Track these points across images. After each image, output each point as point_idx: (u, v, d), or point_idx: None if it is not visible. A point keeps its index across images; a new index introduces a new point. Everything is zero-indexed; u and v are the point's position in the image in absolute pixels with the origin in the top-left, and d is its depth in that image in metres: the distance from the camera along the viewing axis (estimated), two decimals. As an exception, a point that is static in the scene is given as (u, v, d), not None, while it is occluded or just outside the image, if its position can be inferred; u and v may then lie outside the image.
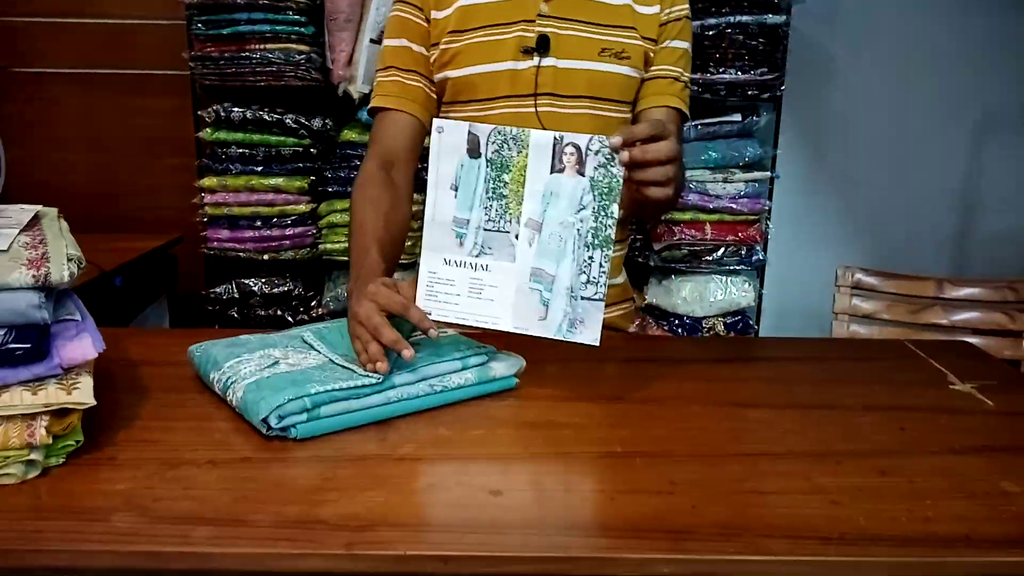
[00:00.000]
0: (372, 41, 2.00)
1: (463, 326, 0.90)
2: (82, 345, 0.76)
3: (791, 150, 2.42)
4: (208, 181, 2.08)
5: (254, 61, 2.02)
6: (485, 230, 0.86)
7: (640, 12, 1.13)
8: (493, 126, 0.84)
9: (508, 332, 0.89)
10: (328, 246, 2.12)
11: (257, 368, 0.87)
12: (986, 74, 2.47)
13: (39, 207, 0.91)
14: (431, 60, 1.11)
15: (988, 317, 1.66)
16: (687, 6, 1.17)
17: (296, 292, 2.17)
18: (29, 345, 0.71)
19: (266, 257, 2.12)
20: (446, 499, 0.69)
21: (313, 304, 2.19)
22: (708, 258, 2.22)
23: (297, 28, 1.99)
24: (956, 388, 0.98)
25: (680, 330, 2.25)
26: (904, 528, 0.65)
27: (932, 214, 2.57)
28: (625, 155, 0.82)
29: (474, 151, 0.85)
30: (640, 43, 1.12)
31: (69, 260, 0.75)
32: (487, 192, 0.84)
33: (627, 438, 0.81)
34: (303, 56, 2.00)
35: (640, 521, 0.65)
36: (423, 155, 1.09)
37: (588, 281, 0.84)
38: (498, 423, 0.85)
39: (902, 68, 2.48)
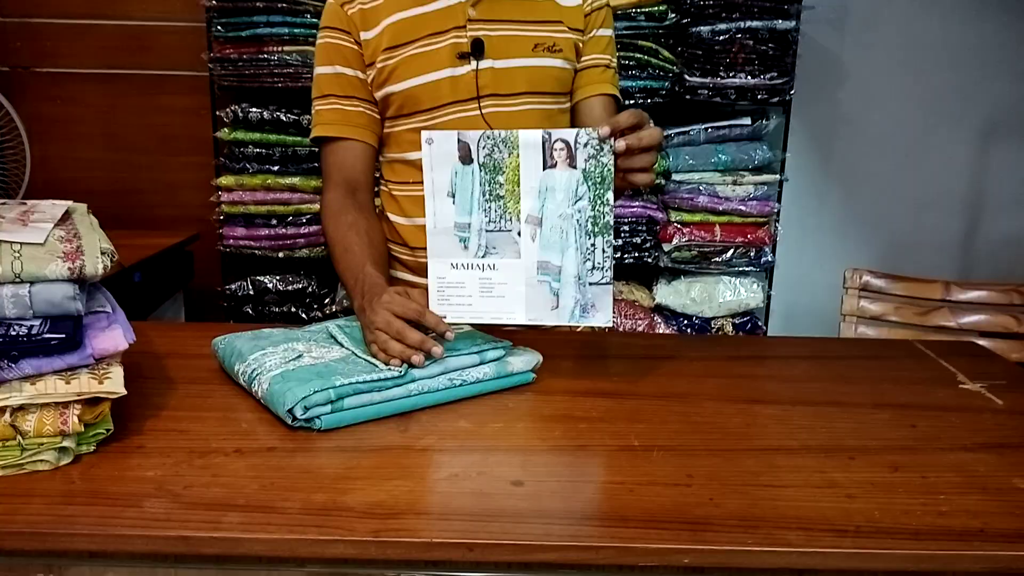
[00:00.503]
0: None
1: (478, 324, 0.91)
2: (113, 336, 0.77)
3: (800, 153, 2.42)
4: (225, 180, 2.10)
5: (272, 63, 2.06)
6: (487, 231, 0.88)
7: (564, 5, 1.13)
8: (482, 131, 0.85)
9: (523, 325, 0.90)
10: None
11: (282, 360, 0.88)
12: (993, 77, 2.46)
13: (69, 202, 0.93)
14: (369, 80, 1.10)
15: (995, 320, 1.66)
16: None
17: (310, 290, 2.18)
18: (64, 335, 0.73)
19: (281, 255, 2.14)
20: (469, 488, 0.69)
21: (327, 301, 2.21)
22: (717, 259, 2.24)
23: (315, 31, 1.97)
24: (966, 387, 0.98)
25: (689, 330, 2.25)
26: (919, 522, 0.65)
27: (939, 216, 2.56)
28: (621, 144, 0.84)
29: (466, 157, 0.86)
30: (569, 35, 1.12)
31: (103, 254, 0.77)
32: (484, 195, 0.86)
33: (643, 432, 0.81)
34: (320, 57, 2.01)
35: (659, 512, 0.65)
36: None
37: (594, 267, 0.87)
38: (517, 416, 0.86)
39: (909, 71, 2.47)
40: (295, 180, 2.10)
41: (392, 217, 1.17)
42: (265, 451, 0.76)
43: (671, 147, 2.18)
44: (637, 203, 2.20)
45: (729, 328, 2.32)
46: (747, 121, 2.18)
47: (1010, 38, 2.45)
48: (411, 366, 0.85)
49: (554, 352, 0.96)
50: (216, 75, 2.08)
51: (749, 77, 2.12)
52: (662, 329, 2.25)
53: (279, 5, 2.00)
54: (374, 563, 0.62)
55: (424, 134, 0.88)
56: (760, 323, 2.33)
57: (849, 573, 0.63)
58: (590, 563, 0.61)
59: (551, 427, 0.83)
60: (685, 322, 2.26)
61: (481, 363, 0.91)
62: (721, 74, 2.12)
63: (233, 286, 2.17)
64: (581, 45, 1.14)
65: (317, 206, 2.10)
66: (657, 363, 1.04)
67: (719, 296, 2.26)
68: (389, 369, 0.85)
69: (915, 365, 1.07)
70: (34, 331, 0.72)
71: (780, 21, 2.12)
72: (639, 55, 2.12)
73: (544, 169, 0.85)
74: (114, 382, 0.74)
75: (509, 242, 0.88)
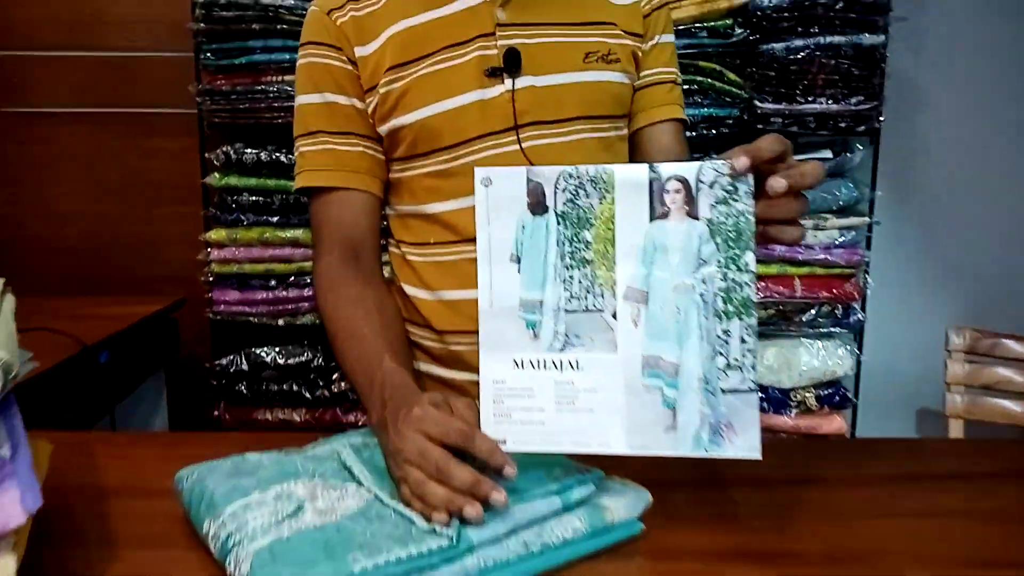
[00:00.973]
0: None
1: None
2: (4, 504, 0.50)
3: (892, 192, 2.17)
4: (216, 234, 1.96)
5: (270, 95, 1.89)
6: (568, 311, 0.69)
7: (616, 3, 0.95)
8: (562, 167, 0.68)
9: (623, 456, 0.67)
10: None
11: (273, 519, 0.61)
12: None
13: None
14: (370, 110, 0.91)
15: None
16: None
17: (316, 363, 2.02)
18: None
19: (281, 322, 2.00)
20: None
21: (335, 377, 2.03)
22: (797, 319, 2.05)
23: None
24: None
25: (764, 404, 1.99)
26: None
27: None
28: (782, 183, 0.64)
29: (538, 205, 0.69)
30: (626, 41, 0.94)
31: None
32: (563, 259, 0.69)
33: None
34: (327, 88, 1.83)
35: None
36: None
37: (729, 365, 0.66)
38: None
39: (1001, 93, 2.23)
40: (298, 233, 1.95)
41: (409, 290, 0.96)
42: None
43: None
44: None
45: (812, 400, 2.09)
46: (828, 154, 1.98)
47: None
48: (463, 522, 0.60)
49: (659, 477, 0.71)
50: (205, 110, 1.94)
51: (831, 102, 1.93)
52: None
53: (278, 27, 1.85)
54: None
55: (479, 172, 0.70)
56: (849, 394, 2.09)
57: None
58: None
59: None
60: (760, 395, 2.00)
61: (564, 510, 0.65)
62: (798, 99, 1.93)
63: (224, 361, 2.01)
64: (640, 55, 0.96)
65: None
66: (811, 491, 0.77)
67: (800, 363, 2.06)
68: (432, 530, 0.59)
69: None
70: None
71: (867, 35, 1.92)
72: (701, 78, 1.93)
73: (652, 220, 0.67)
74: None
75: (600, 327, 0.68)
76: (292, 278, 1.97)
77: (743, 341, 0.65)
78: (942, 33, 2.21)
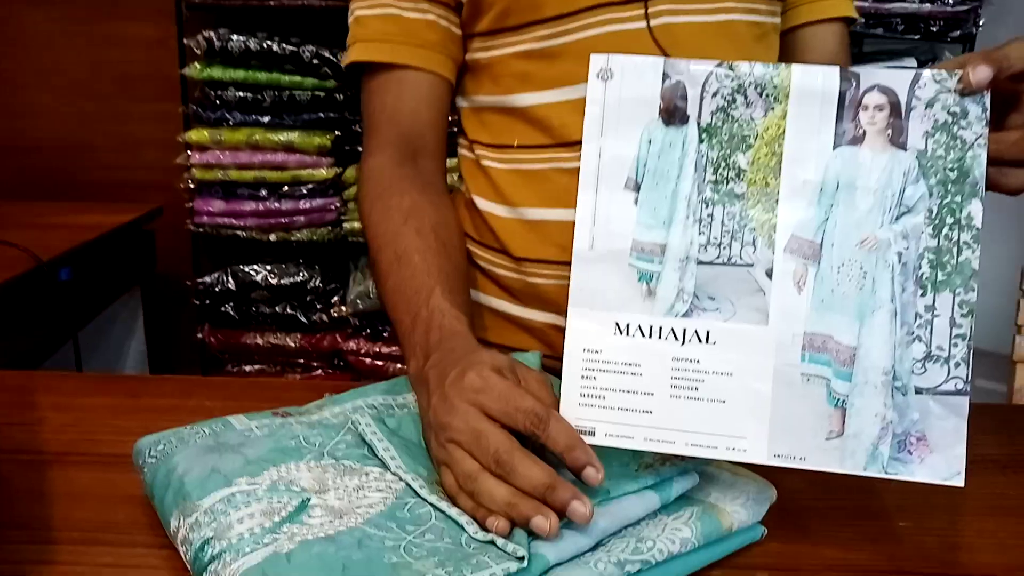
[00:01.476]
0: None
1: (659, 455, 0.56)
2: None
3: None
4: (196, 134, 1.90)
5: None
6: (701, 263, 0.56)
7: None
8: (715, 62, 0.57)
9: (763, 466, 0.55)
10: (357, 224, 1.92)
11: (267, 522, 0.46)
12: None
13: None
14: None
15: None
16: None
17: (313, 285, 1.98)
18: None
19: (273, 237, 1.95)
20: None
21: (335, 301, 1.99)
22: None
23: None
24: None
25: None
26: None
27: None
28: None
29: (674, 113, 0.57)
30: None
31: None
32: (703, 190, 0.57)
33: None
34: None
35: None
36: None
37: (929, 356, 0.53)
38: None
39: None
40: (292, 136, 1.88)
41: (481, 204, 0.84)
42: None
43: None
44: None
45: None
46: (913, 62, 1.87)
47: None
48: (532, 536, 0.47)
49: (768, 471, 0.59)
50: None
51: (924, 1, 1.82)
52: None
53: None
54: None
55: (596, 60, 0.58)
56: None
57: None
58: None
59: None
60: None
61: (664, 510, 0.53)
62: (885, -5, 1.85)
63: (209, 279, 1.96)
64: None
65: (323, 171, 1.90)
66: (972, 477, 0.63)
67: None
68: (491, 542, 0.46)
69: None
70: None
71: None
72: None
73: (838, 145, 0.55)
74: None
75: (747, 290, 0.55)
76: (286, 188, 1.91)
77: (953, 324, 0.53)
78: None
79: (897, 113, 0.54)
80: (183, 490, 0.49)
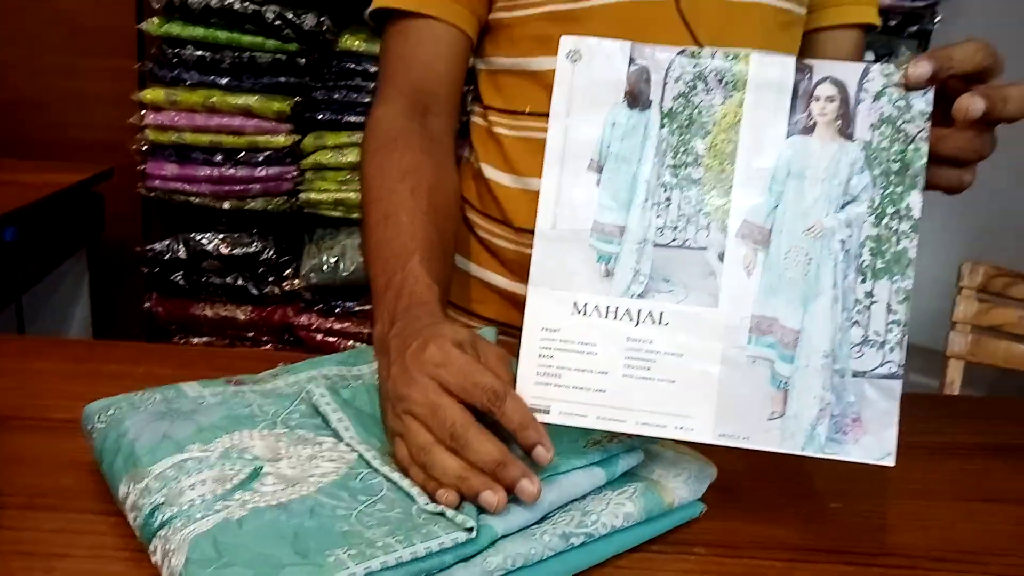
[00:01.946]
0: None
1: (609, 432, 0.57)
2: None
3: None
4: (152, 93, 1.87)
5: None
6: (657, 245, 0.58)
7: None
8: (680, 48, 0.58)
9: (706, 445, 0.57)
10: (313, 195, 1.91)
11: (219, 488, 0.47)
12: None
13: None
14: None
15: None
16: None
17: (266, 256, 1.96)
18: None
19: (227, 205, 1.92)
20: None
21: (287, 273, 1.97)
22: None
23: None
24: None
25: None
26: None
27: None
28: (979, 105, 0.53)
29: (639, 96, 0.58)
30: None
31: None
32: (662, 174, 0.59)
33: None
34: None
35: None
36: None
37: (867, 340, 0.56)
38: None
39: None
40: (251, 100, 1.84)
41: (488, 172, 0.86)
42: None
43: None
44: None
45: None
46: (871, 57, 1.90)
47: None
48: (481, 510, 0.49)
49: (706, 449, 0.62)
50: None
51: None
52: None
53: None
54: None
55: (565, 41, 0.58)
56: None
57: None
58: None
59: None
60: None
61: (609, 485, 0.55)
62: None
63: (159, 246, 1.94)
64: None
65: (281, 138, 1.87)
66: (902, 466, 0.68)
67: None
68: (441, 513, 0.48)
69: None
70: None
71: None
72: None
73: (790, 135, 0.57)
74: None
75: (699, 272, 0.57)
76: (243, 154, 1.88)
77: (890, 310, 0.55)
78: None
79: (846, 105, 0.56)
80: (133, 456, 0.49)
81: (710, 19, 0.77)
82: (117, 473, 0.50)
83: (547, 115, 0.62)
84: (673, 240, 0.58)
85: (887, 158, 0.56)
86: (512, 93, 0.84)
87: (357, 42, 1.84)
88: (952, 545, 0.58)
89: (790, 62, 0.57)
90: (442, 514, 0.47)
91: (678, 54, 0.57)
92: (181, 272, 1.95)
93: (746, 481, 0.63)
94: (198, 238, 1.94)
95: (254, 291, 1.94)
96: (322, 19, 1.81)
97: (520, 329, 0.56)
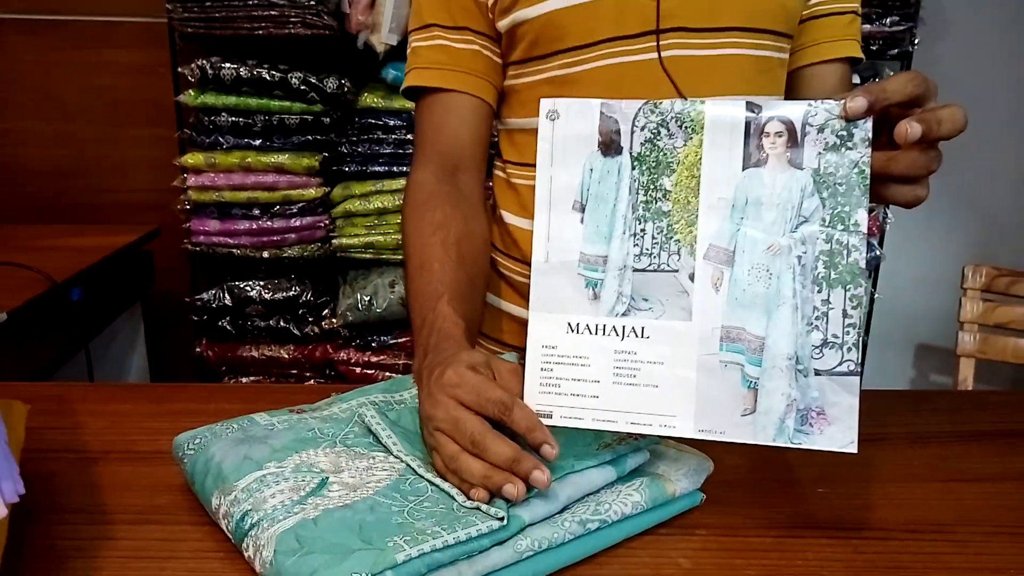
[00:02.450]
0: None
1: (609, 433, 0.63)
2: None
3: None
4: (192, 158, 1.89)
5: (249, 3, 1.80)
6: (636, 270, 0.63)
7: None
8: (643, 101, 0.62)
9: (703, 442, 0.62)
10: (344, 240, 1.94)
11: (294, 496, 0.55)
12: None
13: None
14: (490, 2, 0.85)
15: None
16: None
17: (304, 299, 1.99)
18: None
19: (266, 255, 1.95)
20: None
21: (326, 313, 2.00)
22: None
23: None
24: None
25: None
26: None
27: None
28: (915, 129, 0.56)
29: (611, 144, 0.63)
30: None
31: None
32: (636, 209, 0.63)
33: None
34: (313, -4, 1.80)
35: None
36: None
37: (826, 342, 0.59)
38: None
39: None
40: (283, 159, 1.89)
41: (508, 218, 0.91)
42: None
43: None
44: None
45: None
46: (856, 79, 1.87)
47: None
48: (510, 504, 0.55)
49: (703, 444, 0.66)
50: (176, 20, 1.84)
51: (864, 22, 1.86)
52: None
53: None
54: None
55: (544, 103, 0.63)
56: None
57: None
58: None
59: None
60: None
61: (620, 481, 0.61)
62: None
63: (206, 295, 1.96)
64: None
65: (312, 191, 1.91)
66: (875, 450, 0.72)
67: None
68: (477, 507, 0.54)
69: None
70: None
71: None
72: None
73: (745, 168, 0.60)
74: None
75: (673, 291, 0.62)
76: (277, 207, 1.91)
77: (845, 315, 0.59)
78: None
79: (793, 138, 0.59)
80: (221, 474, 0.58)
81: (692, 73, 0.80)
82: (209, 490, 0.58)
83: None
84: (649, 265, 0.62)
85: (834, 181, 0.59)
86: (525, 148, 0.88)
87: (375, 99, 1.86)
88: (925, 519, 0.63)
89: (741, 104, 0.60)
90: (478, 508, 0.54)
91: (642, 106, 0.61)
92: (228, 318, 1.97)
93: (741, 473, 0.68)
94: (241, 286, 1.96)
95: (296, 331, 1.96)
96: (343, 81, 1.84)
97: None
